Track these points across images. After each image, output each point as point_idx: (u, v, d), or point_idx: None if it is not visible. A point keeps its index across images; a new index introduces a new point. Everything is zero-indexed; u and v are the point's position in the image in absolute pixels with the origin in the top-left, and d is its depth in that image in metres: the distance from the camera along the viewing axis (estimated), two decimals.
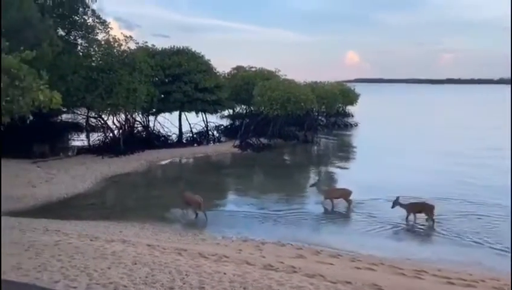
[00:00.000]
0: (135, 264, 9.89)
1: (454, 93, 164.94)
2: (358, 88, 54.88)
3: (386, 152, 34.33)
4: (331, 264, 12.11)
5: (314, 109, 42.03)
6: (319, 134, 43.62)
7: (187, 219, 17.84)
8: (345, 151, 38.35)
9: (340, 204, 19.29)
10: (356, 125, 54.44)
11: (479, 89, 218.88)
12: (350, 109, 57.43)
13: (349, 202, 19.11)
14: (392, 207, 17.37)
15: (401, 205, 17.36)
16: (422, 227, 16.98)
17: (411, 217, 17.31)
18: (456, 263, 13.43)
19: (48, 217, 16.88)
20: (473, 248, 14.83)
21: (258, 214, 18.49)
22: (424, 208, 17.18)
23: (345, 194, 19.35)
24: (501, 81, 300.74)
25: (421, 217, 17.36)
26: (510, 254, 13.87)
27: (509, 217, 16.98)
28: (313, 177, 26.94)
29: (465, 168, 27.16)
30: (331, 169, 30.42)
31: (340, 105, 51.27)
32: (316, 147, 38.86)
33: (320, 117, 49.40)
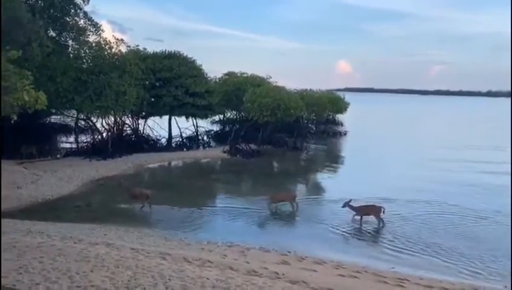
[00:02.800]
0: (118, 267, 9.82)
1: (444, 104, 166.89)
2: (348, 97, 55.21)
3: (371, 161, 35.14)
4: (315, 271, 12.14)
5: (304, 117, 42.25)
6: (309, 141, 43.84)
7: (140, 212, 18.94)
8: (332, 159, 38.64)
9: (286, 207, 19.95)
10: (345, 133, 54.79)
11: (467, 100, 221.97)
12: (340, 117, 57.81)
13: (293, 204, 19.80)
14: (343, 207, 18.44)
15: (351, 207, 18.29)
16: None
17: (358, 218, 18.18)
18: (437, 271, 13.57)
19: (31, 218, 16.72)
20: (451, 256, 14.96)
21: (244, 220, 18.57)
22: (373, 210, 18.06)
23: (289, 197, 20.16)
24: (489, 94, 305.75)
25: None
26: (510, 257, 14.11)
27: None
28: (300, 183, 27.54)
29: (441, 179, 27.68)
30: (318, 176, 30.88)
31: (329, 113, 51.58)
32: (305, 154, 39.02)
33: (309, 125, 49.61)
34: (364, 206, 18.45)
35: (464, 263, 14.34)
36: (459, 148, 43.20)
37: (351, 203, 18.37)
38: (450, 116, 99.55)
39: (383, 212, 17.89)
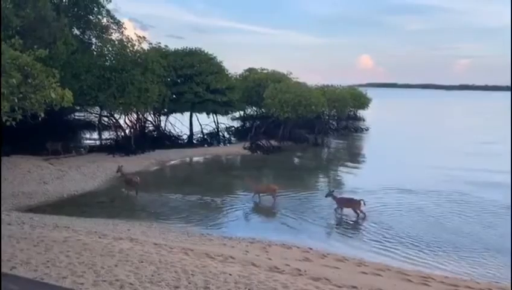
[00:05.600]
0: (142, 262, 9.97)
1: (470, 99, 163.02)
2: (371, 92, 54.65)
3: (391, 157, 34.60)
4: (337, 268, 12.07)
5: (325, 113, 41.96)
6: (330, 137, 43.52)
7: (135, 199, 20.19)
8: (353, 155, 38.28)
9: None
10: (367, 129, 54.17)
11: (494, 96, 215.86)
12: (362, 113, 57.20)
13: (274, 197, 20.22)
14: (326, 196, 18.90)
15: (333, 198, 18.67)
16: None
17: (339, 209, 18.51)
18: (463, 271, 13.31)
19: (58, 213, 17.11)
20: (475, 251, 14.75)
21: (266, 216, 18.73)
22: (352, 203, 18.28)
23: (270, 189, 20.53)
24: None
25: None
26: (510, 255, 13.78)
27: None
28: (322, 179, 27.71)
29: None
30: (338, 171, 30.73)
31: (351, 109, 51.14)
32: (326, 150, 38.75)
33: (331, 121, 49.25)
34: (343, 198, 18.86)
35: (490, 258, 14.11)
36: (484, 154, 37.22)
37: (334, 194, 18.76)
38: (475, 115, 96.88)
39: (364, 204, 18.06)
